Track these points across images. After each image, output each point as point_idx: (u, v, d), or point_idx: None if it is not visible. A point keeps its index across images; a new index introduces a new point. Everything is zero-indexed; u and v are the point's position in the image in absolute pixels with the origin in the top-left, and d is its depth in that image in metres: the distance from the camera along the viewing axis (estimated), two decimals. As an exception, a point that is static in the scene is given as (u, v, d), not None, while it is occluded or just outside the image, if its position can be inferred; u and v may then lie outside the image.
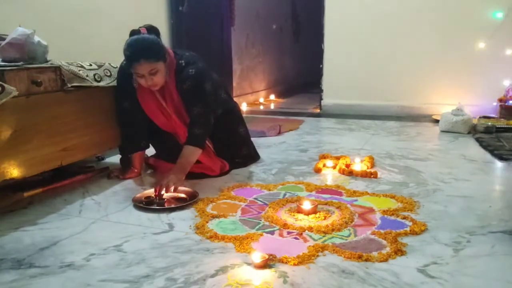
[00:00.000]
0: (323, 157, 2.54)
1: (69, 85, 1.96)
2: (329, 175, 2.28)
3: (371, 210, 1.76)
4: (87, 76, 2.07)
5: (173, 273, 1.30)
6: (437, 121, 3.57)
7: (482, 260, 1.36)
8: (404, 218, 1.67)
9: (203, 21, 4.20)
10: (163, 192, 1.89)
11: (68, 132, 1.99)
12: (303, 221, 1.66)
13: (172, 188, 1.90)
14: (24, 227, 1.65)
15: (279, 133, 3.35)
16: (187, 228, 1.62)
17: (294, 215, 1.71)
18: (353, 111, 4.25)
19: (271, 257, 1.35)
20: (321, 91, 4.41)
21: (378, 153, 2.67)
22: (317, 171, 2.33)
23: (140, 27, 2.00)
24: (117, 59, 2.15)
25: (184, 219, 1.71)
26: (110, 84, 2.18)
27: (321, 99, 4.44)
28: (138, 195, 1.93)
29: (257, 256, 1.33)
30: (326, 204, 1.84)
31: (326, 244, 1.46)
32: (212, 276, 1.28)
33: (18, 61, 1.80)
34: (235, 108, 2.48)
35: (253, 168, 2.41)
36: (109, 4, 3.15)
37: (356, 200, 1.88)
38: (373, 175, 2.21)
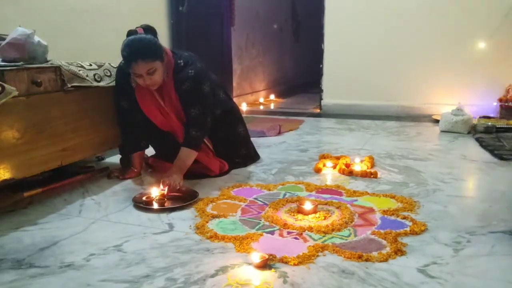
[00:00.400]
0: (323, 157, 2.54)
1: (69, 85, 1.97)
2: (329, 175, 2.28)
3: (371, 210, 1.76)
4: (87, 76, 2.07)
5: (173, 273, 1.30)
6: (437, 121, 3.57)
7: (482, 260, 1.36)
8: (404, 218, 1.67)
9: (203, 21, 4.20)
10: (166, 190, 1.91)
11: (68, 132, 1.99)
12: (303, 221, 1.66)
13: (177, 188, 1.95)
14: (24, 227, 1.65)
15: (279, 133, 3.35)
16: (187, 228, 1.62)
17: (294, 215, 1.71)
18: (353, 111, 4.25)
19: (271, 257, 1.35)
20: (321, 91, 4.41)
21: (378, 153, 2.67)
22: (317, 171, 2.33)
23: (136, 27, 2.00)
24: (117, 59, 2.14)
25: (184, 219, 1.71)
26: (110, 84, 2.19)
27: (321, 99, 4.44)
28: (138, 195, 1.93)
29: (257, 256, 1.33)
30: (326, 204, 1.84)
31: (326, 244, 1.46)
32: (212, 276, 1.28)
33: (18, 61, 1.80)
34: (234, 109, 2.47)
35: (253, 168, 2.41)
36: (109, 4, 3.15)
37: (356, 200, 1.88)
38: (373, 175, 2.21)
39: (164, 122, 2.18)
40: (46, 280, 1.27)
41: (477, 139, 2.98)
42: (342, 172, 2.28)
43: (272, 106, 5.18)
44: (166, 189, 1.91)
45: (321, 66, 4.36)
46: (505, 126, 3.26)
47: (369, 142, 3.04)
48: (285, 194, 1.96)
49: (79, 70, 2.04)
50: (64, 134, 1.97)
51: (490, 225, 1.61)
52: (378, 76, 4.16)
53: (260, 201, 1.89)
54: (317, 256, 1.39)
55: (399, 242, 1.46)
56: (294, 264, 1.33)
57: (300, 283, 1.24)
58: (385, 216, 1.70)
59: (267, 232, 1.57)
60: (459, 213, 1.74)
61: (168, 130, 2.20)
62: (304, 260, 1.36)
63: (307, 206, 1.72)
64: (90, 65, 2.15)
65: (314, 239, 1.51)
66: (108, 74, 2.21)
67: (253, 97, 5.45)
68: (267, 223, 1.66)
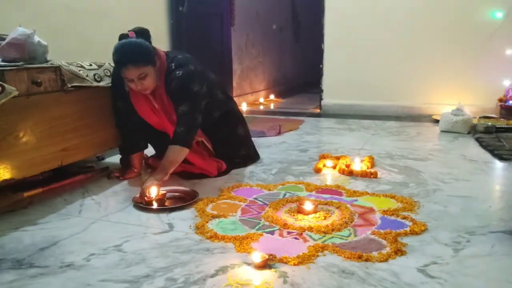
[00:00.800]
0: (323, 157, 2.54)
1: (69, 85, 1.96)
2: (329, 175, 2.28)
3: (371, 210, 1.76)
4: (87, 76, 2.07)
5: (173, 273, 1.30)
6: (437, 121, 3.57)
7: (482, 260, 1.36)
8: (404, 218, 1.67)
9: (203, 21, 4.20)
10: (148, 195, 1.83)
11: (68, 132, 1.99)
12: (303, 221, 1.66)
13: (153, 191, 1.84)
14: (24, 227, 1.65)
15: (279, 133, 3.35)
16: (187, 228, 1.62)
17: (294, 215, 1.71)
18: (353, 111, 4.25)
19: (271, 257, 1.35)
20: (321, 91, 4.41)
21: (378, 153, 2.67)
22: (317, 171, 2.33)
23: (128, 31, 1.96)
24: (117, 59, 2.15)
25: (184, 219, 1.71)
26: (110, 84, 2.18)
27: (321, 99, 4.44)
28: (138, 195, 1.93)
29: (257, 256, 1.33)
30: (326, 204, 1.84)
31: (326, 244, 1.46)
32: (212, 276, 1.28)
33: (18, 61, 1.80)
34: (234, 109, 2.46)
35: (253, 168, 2.41)
36: (109, 4, 3.15)
37: (356, 200, 1.88)
38: (373, 175, 2.21)
39: (159, 123, 2.17)
40: (46, 280, 1.27)
41: (477, 139, 2.98)
42: (342, 172, 2.28)
43: (272, 106, 5.18)
44: (149, 194, 1.83)
45: (321, 66, 4.36)
46: (505, 126, 3.26)
47: (369, 142, 3.04)
48: (285, 194, 1.96)
49: (79, 70, 2.04)
50: (64, 134, 1.97)
51: (490, 225, 1.61)
52: (378, 76, 4.16)
53: (260, 201, 1.89)
54: (317, 256, 1.39)
55: (399, 242, 1.46)
56: (294, 264, 1.33)
57: (300, 283, 1.24)
58: (385, 216, 1.70)
59: (267, 232, 1.57)
60: (459, 213, 1.74)
61: (163, 131, 2.20)
62: (304, 260, 1.36)
63: (307, 206, 1.72)
64: (90, 65, 2.15)
65: (314, 239, 1.51)
66: (108, 74, 2.21)
67: (253, 97, 5.45)
68: (267, 223, 1.66)
